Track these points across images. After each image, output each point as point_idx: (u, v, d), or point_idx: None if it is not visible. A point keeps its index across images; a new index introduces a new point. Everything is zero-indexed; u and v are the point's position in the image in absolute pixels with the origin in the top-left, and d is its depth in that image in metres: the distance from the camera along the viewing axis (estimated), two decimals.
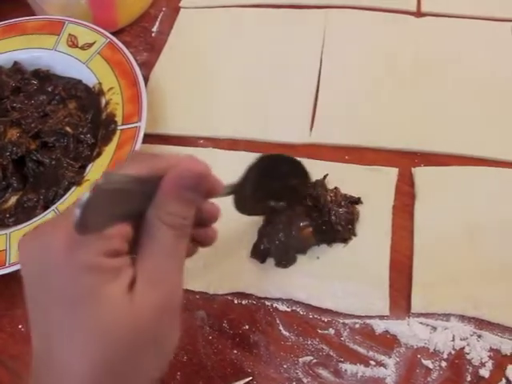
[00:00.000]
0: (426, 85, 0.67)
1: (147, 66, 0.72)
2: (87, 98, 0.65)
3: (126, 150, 0.59)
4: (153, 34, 0.79)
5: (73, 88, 0.67)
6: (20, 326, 0.57)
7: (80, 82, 0.67)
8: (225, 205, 0.60)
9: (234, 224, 0.59)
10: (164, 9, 0.81)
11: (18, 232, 0.57)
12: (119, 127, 0.61)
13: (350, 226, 0.56)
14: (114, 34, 0.70)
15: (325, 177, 0.59)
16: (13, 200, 0.62)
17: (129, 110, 0.62)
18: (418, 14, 0.74)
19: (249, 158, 0.62)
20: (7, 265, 0.55)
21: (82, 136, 0.63)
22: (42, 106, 0.64)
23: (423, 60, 0.69)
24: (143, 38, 0.78)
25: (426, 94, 0.66)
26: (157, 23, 0.80)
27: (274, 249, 0.56)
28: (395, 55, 0.70)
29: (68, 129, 0.62)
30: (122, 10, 0.75)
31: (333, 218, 0.55)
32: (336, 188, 0.58)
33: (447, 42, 0.70)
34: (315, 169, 0.61)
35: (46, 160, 0.61)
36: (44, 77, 0.68)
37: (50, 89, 0.66)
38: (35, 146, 0.61)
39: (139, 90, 0.62)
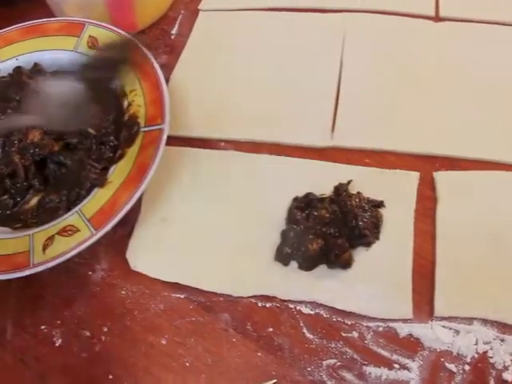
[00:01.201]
0: (447, 89, 0.67)
1: (167, 68, 0.72)
2: (109, 99, 0.65)
3: (149, 151, 0.59)
4: (172, 37, 0.79)
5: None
6: (43, 327, 0.57)
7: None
8: (249, 208, 0.61)
9: (257, 227, 0.60)
10: (183, 11, 0.82)
11: (42, 233, 0.58)
12: (142, 129, 0.61)
13: (375, 230, 0.56)
14: (133, 36, 0.69)
15: (349, 182, 0.60)
16: (34, 201, 0.62)
17: (151, 111, 0.62)
18: (437, 18, 0.75)
19: (271, 161, 0.64)
20: (31, 265, 0.56)
21: (105, 138, 0.62)
22: None
23: (443, 64, 0.69)
24: (162, 41, 0.78)
25: (447, 98, 0.66)
26: (176, 25, 0.80)
27: (297, 253, 0.57)
28: (414, 59, 0.70)
29: (91, 130, 0.62)
30: (141, 12, 0.75)
31: (360, 223, 0.55)
32: (359, 192, 0.58)
33: (466, 46, 0.71)
34: (337, 172, 0.62)
35: (68, 161, 0.61)
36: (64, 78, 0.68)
37: None
38: (58, 148, 0.61)
39: (162, 91, 0.62)
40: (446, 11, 0.74)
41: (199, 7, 0.81)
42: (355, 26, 0.74)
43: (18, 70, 0.69)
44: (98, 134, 0.62)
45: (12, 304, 0.59)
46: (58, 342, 0.56)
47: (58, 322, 0.57)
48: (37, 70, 0.69)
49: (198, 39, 0.76)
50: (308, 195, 0.59)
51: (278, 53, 0.73)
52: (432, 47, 0.71)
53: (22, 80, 0.66)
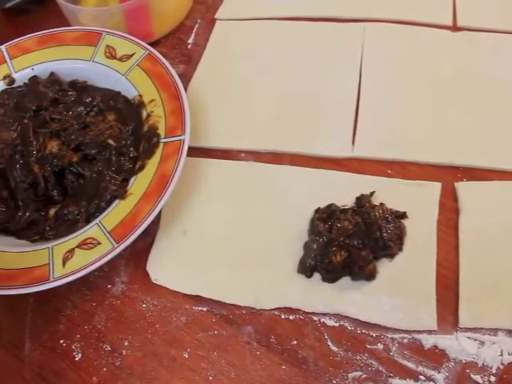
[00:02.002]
0: (466, 98, 0.67)
1: (184, 78, 0.71)
2: (127, 110, 0.65)
3: (170, 163, 0.58)
4: (189, 46, 0.79)
5: (111, 99, 0.66)
6: (61, 342, 0.57)
7: (119, 93, 0.67)
8: (271, 220, 0.61)
9: (279, 239, 0.59)
10: (199, 20, 0.82)
11: (61, 245, 0.57)
12: (162, 140, 0.61)
13: (399, 242, 0.56)
14: (149, 45, 0.69)
15: (372, 194, 0.59)
16: (51, 212, 0.61)
17: (171, 122, 0.62)
18: (454, 28, 0.75)
19: (292, 172, 0.63)
20: (51, 279, 0.55)
21: (125, 149, 0.62)
22: (81, 118, 0.64)
23: (462, 74, 0.69)
24: (179, 50, 0.78)
25: (467, 108, 0.66)
26: (192, 35, 0.80)
27: (320, 265, 0.56)
28: (433, 69, 0.70)
29: (110, 141, 0.61)
30: (157, 22, 0.75)
31: (384, 234, 0.55)
32: (382, 203, 0.58)
33: (484, 56, 0.71)
34: (358, 183, 0.62)
35: (87, 173, 0.61)
36: (81, 88, 0.68)
37: (87, 100, 0.66)
38: (77, 159, 0.61)
39: (182, 102, 0.62)
40: (463, 21, 0.75)
41: (216, 16, 0.80)
42: (374, 36, 0.74)
43: (33, 79, 0.68)
44: (118, 146, 0.62)
45: (30, 318, 0.58)
46: (78, 357, 0.55)
47: (78, 336, 0.56)
48: (53, 79, 0.68)
49: (215, 49, 0.76)
50: (330, 206, 0.59)
51: (297, 63, 0.73)
52: (450, 57, 0.71)
53: (38, 90, 0.66)
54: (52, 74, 0.69)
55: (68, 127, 0.62)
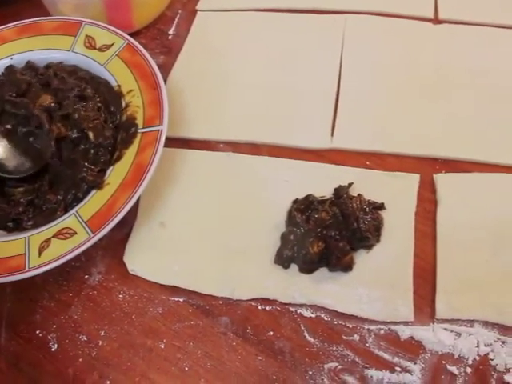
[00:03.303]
0: (446, 91, 0.67)
1: (164, 69, 0.71)
2: (110, 96, 0.64)
3: (147, 153, 0.58)
4: (169, 37, 0.78)
5: (96, 82, 0.65)
6: (38, 332, 0.56)
7: (99, 77, 0.66)
8: (248, 211, 0.61)
9: (256, 230, 0.59)
10: (180, 11, 0.81)
11: (38, 235, 0.57)
12: (140, 130, 0.60)
13: (377, 233, 0.56)
14: (130, 36, 0.68)
15: (350, 185, 0.59)
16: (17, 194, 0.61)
17: (150, 113, 0.61)
18: (436, 20, 0.75)
19: (271, 163, 0.63)
20: (27, 269, 0.54)
21: (103, 141, 0.61)
22: (80, 86, 0.63)
23: (442, 66, 0.69)
24: (160, 41, 0.78)
25: (446, 100, 0.66)
26: (173, 26, 0.79)
27: (297, 256, 0.56)
28: (414, 61, 0.70)
29: (91, 135, 0.60)
30: (138, 12, 0.74)
31: (362, 225, 0.55)
32: (360, 195, 0.58)
33: (465, 48, 0.71)
34: (337, 174, 0.62)
35: (65, 154, 0.60)
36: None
37: (79, 75, 0.65)
38: (63, 132, 0.60)
39: (160, 92, 0.62)
40: (444, 13, 0.75)
41: (197, 7, 0.80)
42: (354, 28, 0.74)
43: (10, 68, 0.67)
44: (97, 142, 0.61)
45: (6, 308, 0.58)
46: (54, 347, 0.55)
47: (54, 326, 0.56)
48: (29, 66, 0.67)
49: (196, 40, 0.75)
50: (308, 197, 0.58)
51: (277, 54, 0.73)
52: (431, 49, 0.71)
53: (16, 78, 0.64)
54: (28, 61, 0.68)
55: (67, 89, 0.62)
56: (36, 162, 0.61)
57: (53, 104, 0.61)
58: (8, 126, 0.62)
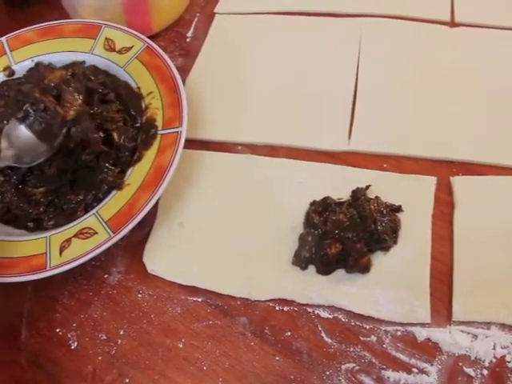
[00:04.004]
0: (463, 94, 0.68)
1: (182, 71, 0.72)
2: (130, 98, 0.65)
3: (167, 154, 0.59)
4: (187, 40, 0.79)
5: (116, 85, 0.66)
6: (57, 330, 0.57)
7: (118, 79, 0.67)
8: (267, 212, 0.61)
9: (274, 231, 0.60)
10: (198, 14, 0.82)
11: (59, 235, 0.58)
12: (160, 132, 0.61)
13: (394, 235, 0.57)
14: (148, 38, 0.69)
15: (367, 187, 0.60)
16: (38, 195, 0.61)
17: (169, 114, 0.62)
18: (452, 24, 0.75)
19: (288, 165, 0.64)
20: (48, 268, 0.55)
21: (124, 141, 0.62)
22: (103, 90, 0.64)
23: (459, 69, 0.70)
24: (178, 43, 0.78)
25: (463, 103, 0.67)
26: (191, 29, 0.80)
27: (315, 257, 0.57)
28: (430, 65, 0.70)
29: (115, 135, 0.61)
30: (157, 15, 0.76)
31: (379, 227, 0.55)
32: (377, 197, 0.58)
33: (481, 51, 0.71)
34: (354, 176, 0.62)
35: (88, 157, 0.60)
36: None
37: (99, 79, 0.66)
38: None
39: (179, 94, 0.62)
40: (461, 17, 0.75)
41: (215, 10, 0.81)
42: (371, 31, 0.74)
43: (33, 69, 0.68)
44: (119, 143, 0.62)
45: (27, 306, 0.59)
46: (74, 345, 0.56)
47: (74, 324, 0.57)
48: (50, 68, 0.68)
49: (214, 42, 0.76)
50: (326, 199, 0.59)
51: (295, 57, 0.73)
52: (447, 52, 0.71)
53: (40, 73, 0.65)
54: (50, 64, 0.69)
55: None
56: (50, 145, 0.59)
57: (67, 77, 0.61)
58: (21, 114, 0.61)
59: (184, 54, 0.77)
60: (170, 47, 0.77)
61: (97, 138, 0.60)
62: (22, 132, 0.60)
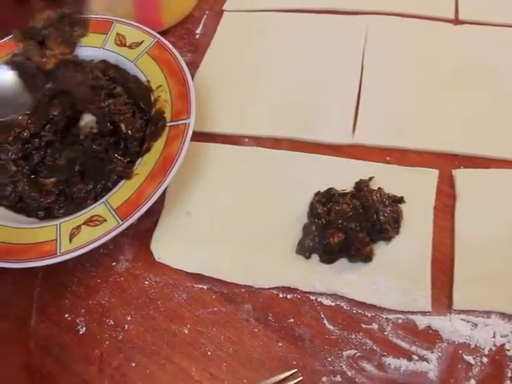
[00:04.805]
0: (466, 90, 0.68)
1: (191, 67, 0.73)
2: (139, 91, 0.67)
3: (175, 145, 0.60)
4: (196, 36, 0.81)
5: (125, 79, 0.68)
6: (66, 315, 0.59)
7: (128, 73, 0.69)
8: (272, 202, 0.62)
9: (279, 221, 0.61)
10: (207, 12, 0.84)
11: (69, 222, 0.59)
12: (168, 124, 0.63)
13: (396, 225, 0.57)
14: (158, 34, 0.71)
15: (370, 179, 0.61)
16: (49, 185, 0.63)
17: (177, 107, 0.64)
18: (456, 21, 0.76)
19: (293, 157, 0.65)
20: (58, 254, 0.57)
21: (133, 133, 0.64)
22: (110, 86, 0.65)
23: (462, 65, 0.71)
24: (187, 40, 0.80)
25: (466, 98, 0.68)
26: (200, 25, 0.82)
27: (318, 246, 0.58)
28: (434, 61, 0.71)
29: (123, 126, 0.63)
30: (167, 12, 0.77)
31: (381, 217, 0.56)
32: (380, 188, 0.59)
33: (485, 48, 0.72)
34: (357, 169, 0.63)
35: (97, 147, 0.62)
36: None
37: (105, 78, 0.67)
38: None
39: (188, 87, 0.64)
40: (465, 14, 0.76)
41: (223, 8, 0.82)
42: (377, 28, 0.76)
43: None
44: (127, 133, 0.63)
45: (37, 292, 0.61)
46: (82, 330, 0.57)
47: (82, 310, 0.59)
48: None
49: (223, 39, 0.78)
50: (330, 190, 0.60)
51: (301, 53, 0.75)
52: (451, 49, 0.72)
53: None
54: None
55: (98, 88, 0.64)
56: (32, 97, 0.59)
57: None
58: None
59: (193, 50, 0.78)
60: (179, 43, 0.79)
61: (84, 92, 0.60)
62: (6, 77, 0.58)
